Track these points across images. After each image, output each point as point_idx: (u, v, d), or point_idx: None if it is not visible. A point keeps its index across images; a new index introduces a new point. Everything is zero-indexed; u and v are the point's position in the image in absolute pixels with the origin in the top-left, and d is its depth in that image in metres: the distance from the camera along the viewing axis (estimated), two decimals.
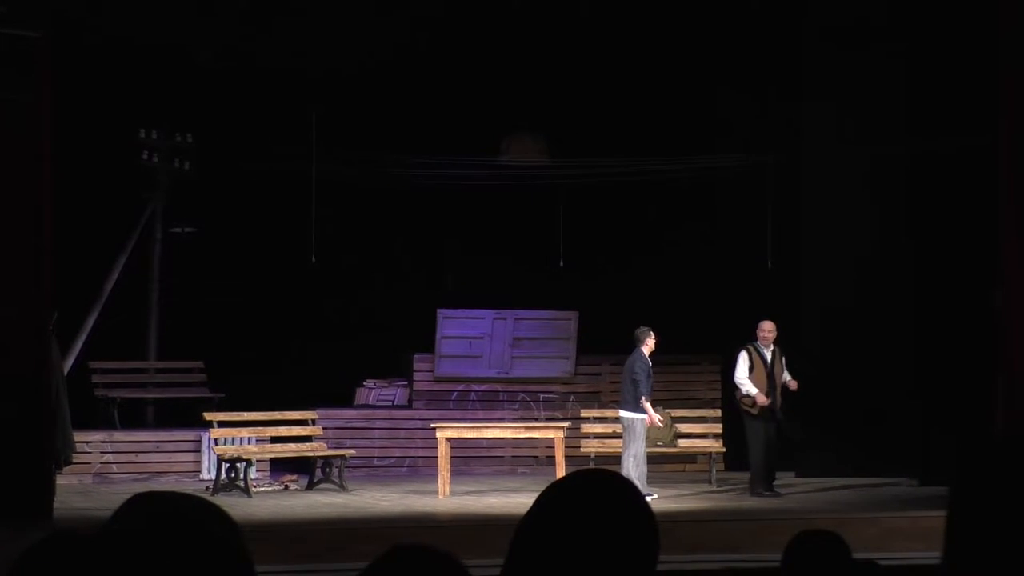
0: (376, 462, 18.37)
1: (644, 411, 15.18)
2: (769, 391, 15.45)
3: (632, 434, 15.20)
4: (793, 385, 15.56)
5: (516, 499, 15.02)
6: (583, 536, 2.34)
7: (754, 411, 15.51)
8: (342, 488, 16.21)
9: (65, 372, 15.62)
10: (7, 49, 12.32)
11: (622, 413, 15.39)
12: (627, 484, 2.47)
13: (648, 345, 15.40)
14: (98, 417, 18.27)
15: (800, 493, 15.74)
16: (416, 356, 19.17)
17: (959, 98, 15.92)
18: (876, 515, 13.17)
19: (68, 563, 2.07)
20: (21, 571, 2.08)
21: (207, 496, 2.35)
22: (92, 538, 2.14)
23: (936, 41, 16.28)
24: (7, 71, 12.38)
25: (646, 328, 15.56)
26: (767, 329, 15.68)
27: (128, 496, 2.28)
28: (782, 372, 15.61)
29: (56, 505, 13.01)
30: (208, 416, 16.42)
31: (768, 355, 15.60)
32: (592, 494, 2.40)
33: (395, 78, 18.60)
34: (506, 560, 2.37)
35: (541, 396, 19.10)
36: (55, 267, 13.16)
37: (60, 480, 13.96)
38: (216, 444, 16.28)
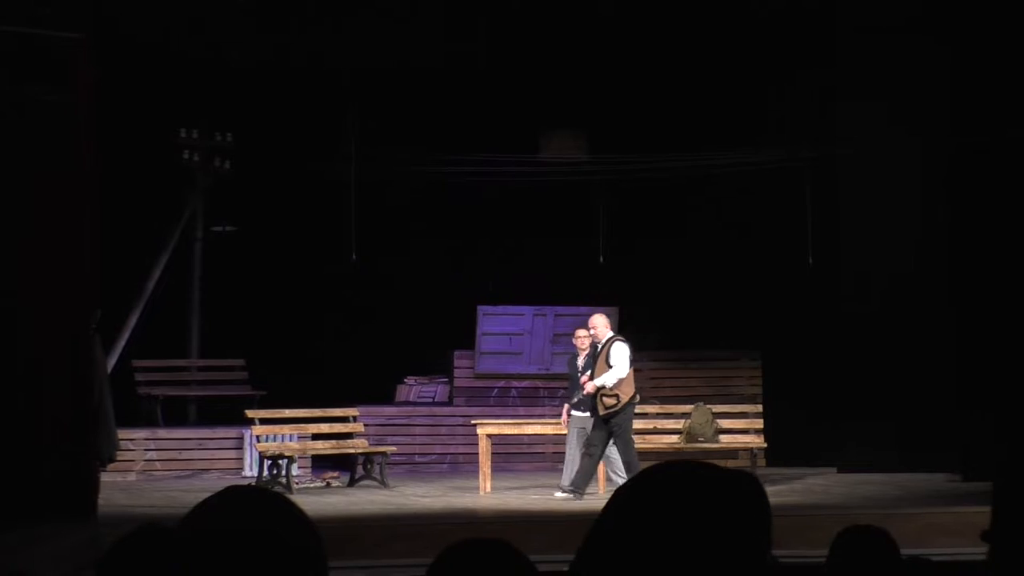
0: (417, 459, 18.40)
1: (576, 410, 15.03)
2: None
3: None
4: (588, 387, 14.61)
5: (558, 495, 14.98)
6: (693, 527, 2.18)
7: None
8: (383, 485, 16.24)
9: (109, 370, 15.70)
10: (49, 51, 12.39)
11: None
12: (748, 479, 2.28)
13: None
14: (141, 415, 18.38)
15: (841, 488, 15.66)
16: (456, 353, 19.19)
17: (1001, 91, 15.80)
18: (918, 511, 13.08)
19: (155, 556, 2.11)
20: (111, 563, 2.11)
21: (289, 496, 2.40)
22: (178, 533, 2.18)
23: (977, 33, 16.15)
24: (49, 73, 12.45)
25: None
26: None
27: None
28: (602, 369, 14.69)
29: (100, 502, 13.07)
30: (250, 414, 16.46)
31: (596, 351, 14.81)
32: (707, 486, 2.23)
33: (433, 76, 18.60)
34: (592, 542, 2.23)
35: None
36: (98, 267, 13.23)
37: (104, 478, 14.02)
38: (258, 441, 16.33)
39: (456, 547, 2.24)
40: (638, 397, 14.86)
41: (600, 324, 14.76)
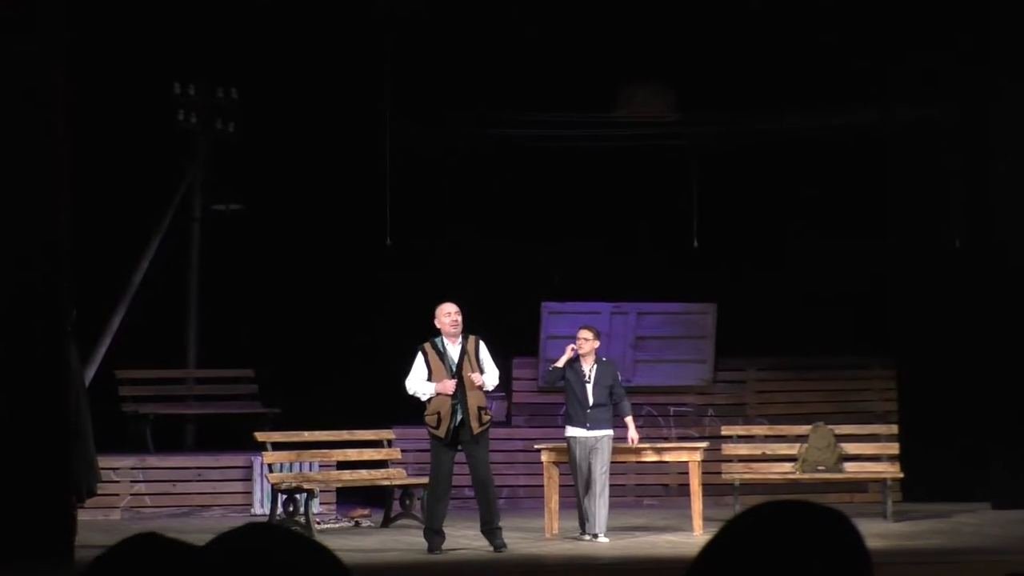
0: (467, 492, 18.33)
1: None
2: (457, 399, 14.68)
3: None
4: (478, 380, 14.57)
5: (641, 539, 15.00)
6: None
7: (434, 428, 14.79)
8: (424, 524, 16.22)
9: (87, 383, 15.76)
10: None
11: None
12: (838, 519, 2.38)
13: None
14: (127, 438, 18.45)
15: (997, 529, 15.58)
16: (515, 361, 19.15)
17: None
18: None
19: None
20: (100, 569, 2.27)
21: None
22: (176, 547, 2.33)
23: None
24: (14, 18, 12.46)
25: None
26: (443, 312, 14.86)
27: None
28: (475, 371, 14.67)
29: (78, 544, 13.11)
30: (260, 437, 16.51)
31: (455, 351, 14.78)
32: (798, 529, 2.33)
33: (488, 17, 18.53)
34: None
35: (671, 409, 19.03)
36: (73, 255, 13.25)
37: (82, 515, 14.11)
38: (270, 471, 16.39)
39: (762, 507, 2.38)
40: None
41: (448, 312, 14.84)
